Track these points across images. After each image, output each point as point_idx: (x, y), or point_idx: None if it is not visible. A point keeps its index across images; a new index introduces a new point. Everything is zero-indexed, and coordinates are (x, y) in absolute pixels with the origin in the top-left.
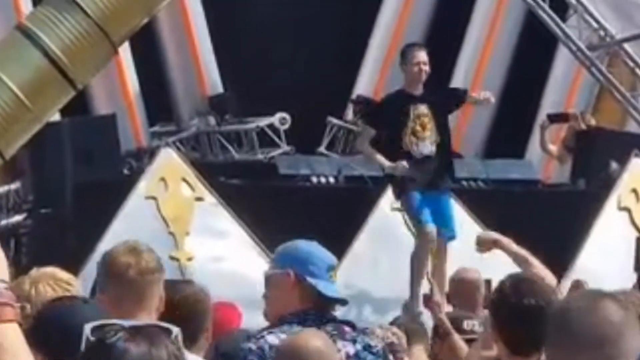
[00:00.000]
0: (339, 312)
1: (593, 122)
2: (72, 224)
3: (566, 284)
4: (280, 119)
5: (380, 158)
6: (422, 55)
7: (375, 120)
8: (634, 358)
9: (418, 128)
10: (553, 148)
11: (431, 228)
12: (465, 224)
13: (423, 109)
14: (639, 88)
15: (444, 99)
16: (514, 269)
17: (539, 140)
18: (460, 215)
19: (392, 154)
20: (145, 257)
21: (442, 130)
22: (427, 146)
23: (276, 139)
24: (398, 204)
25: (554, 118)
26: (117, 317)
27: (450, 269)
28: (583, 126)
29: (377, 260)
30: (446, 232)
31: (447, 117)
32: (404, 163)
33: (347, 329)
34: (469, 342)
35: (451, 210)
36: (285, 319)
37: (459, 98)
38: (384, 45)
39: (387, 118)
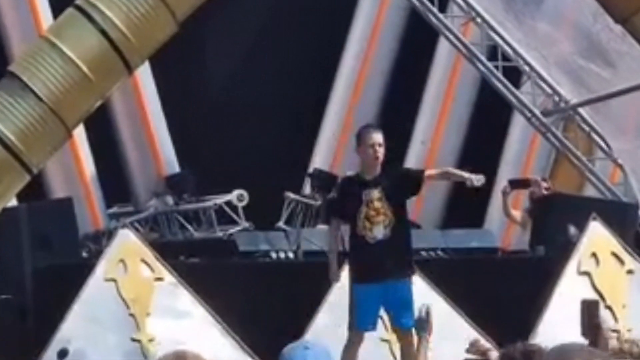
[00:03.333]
0: None
1: (553, 186)
2: (32, 309)
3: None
4: (238, 196)
5: (332, 259)
6: (378, 137)
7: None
8: None
9: (372, 213)
10: (516, 214)
11: (359, 336)
12: (427, 295)
13: (375, 193)
14: (595, 152)
15: (399, 181)
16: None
17: (502, 207)
18: (421, 286)
19: (349, 238)
20: None
21: (398, 214)
22: (381, 230)
23: (235, 216)
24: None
25: (515, 184)
26: None
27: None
28: (544, 191)
29: (339, 335)
30: (403, 322)
31: (402, 200)
32: (338, 275)
33: None
34: None
35: (408, 301)
36: None
37: (415, 180)
38: (339, 118)
39: (341, 204)
